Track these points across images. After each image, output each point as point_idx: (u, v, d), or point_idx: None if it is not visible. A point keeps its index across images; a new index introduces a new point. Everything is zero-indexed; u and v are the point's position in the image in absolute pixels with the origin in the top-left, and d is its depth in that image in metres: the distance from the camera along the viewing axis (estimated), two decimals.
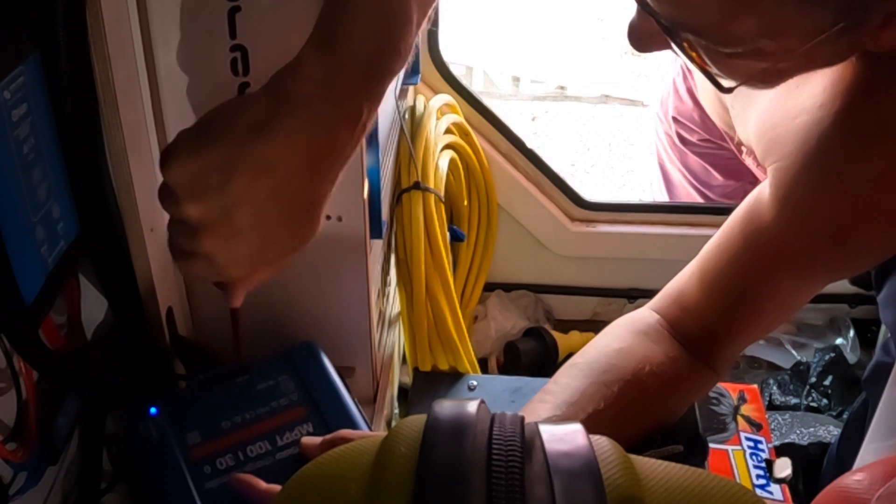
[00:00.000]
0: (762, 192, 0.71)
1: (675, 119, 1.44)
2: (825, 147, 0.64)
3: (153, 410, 0.66)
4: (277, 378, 0.68)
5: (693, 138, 1.44)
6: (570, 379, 0.74)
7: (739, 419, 1.06)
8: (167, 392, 0.69)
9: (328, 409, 0.67)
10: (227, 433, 0.66)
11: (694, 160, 1.47)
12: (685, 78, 1.40)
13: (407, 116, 1.12)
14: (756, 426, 1.05)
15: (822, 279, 0.73)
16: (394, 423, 1.04)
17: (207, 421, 0.66)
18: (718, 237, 0.76)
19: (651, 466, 0.35)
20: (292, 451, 0.65)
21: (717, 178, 1.45)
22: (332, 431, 0.65)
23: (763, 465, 0.99)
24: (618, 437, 0.37)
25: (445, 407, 0.36)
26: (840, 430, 1.02)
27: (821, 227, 0.66)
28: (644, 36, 0.60)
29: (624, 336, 0.78)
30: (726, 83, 0.58)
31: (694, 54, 0.57)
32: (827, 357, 1.29)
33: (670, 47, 0.59)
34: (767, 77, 0.59)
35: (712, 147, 1.42)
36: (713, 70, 0.57)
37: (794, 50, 0.54)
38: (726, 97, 0.72)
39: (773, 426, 1.09)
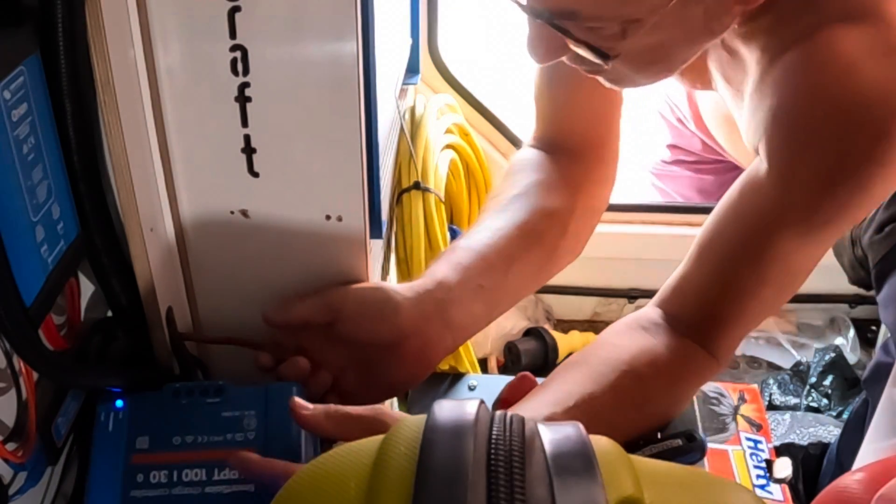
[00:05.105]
0: (760, 161, 0.73)
1: (673, 146, 1.45)
2: (804, 112, 0.69)
3: (119, 403, 0.65)
4: (244, 411, 0.66)
5: (690, 159, 1.44)
6: (564, 373, 0.75)
7: (739, 419, 1.06)
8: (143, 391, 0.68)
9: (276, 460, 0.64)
10: (173, 450, 0.64)
11: (688, 183, 1.48)
12: (672, 111, 1.40)
13: (407, 116, 1.12)
14: (756, 426, 1.05)
15: (819, 235, 0.73)
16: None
17: (162, 431, 0.65)
18: (716, 210, 0.77)
19: (651, 466, 0.35)
20: (221, 489, 0.63)
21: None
22: (264, 483, 0.62)
23: (763, 465, 0.99)
24: (617, 424, 0.37)
25: (445, 407, 0.36)
26: (840, 430, 1.02)
27: (811, 177, 0.69)
28: (542, 45, 0.68)
29: (621, 333, 0.78)
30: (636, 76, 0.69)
31: (587, 52, 0.65)
32: (827, 357, 1.29)
33: (567, 52, 0.68)
34: (660, 55, 0.68)
35: (711, 164, 1.42)
36: (610, 64, 0.66)
37: (662, 7, 0.62)
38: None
39: (773, 426, 1.09)
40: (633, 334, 0.77)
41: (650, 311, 0.80)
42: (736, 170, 1.35)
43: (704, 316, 0.76)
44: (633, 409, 0.73)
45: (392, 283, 1.07)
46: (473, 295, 0.77)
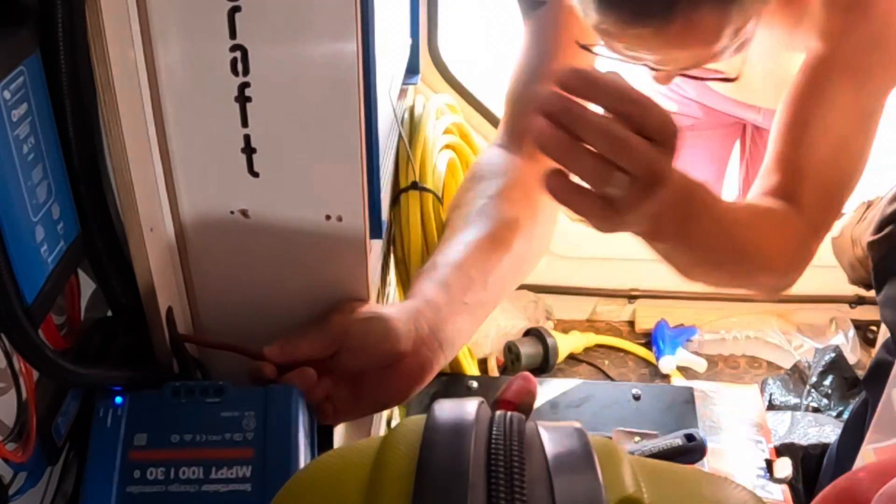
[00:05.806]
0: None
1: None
2: None
3: (119, 400, 0.66)
4: (244, 412, 0.66)
5: (689, 122, 1.45)
6: None
7: (739, 419, 1.06)
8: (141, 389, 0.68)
9: (273, 460, 0.65)
10: (171, 447, 0.64)
11: (687, 153, 1.48)
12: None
13: (406, 117, 1.12)
14: (756, 426, 1.05)
15: (865, 75, 0.84)
16: (394, 423, 1.04)
17: (160, 429, 0.65)
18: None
19: (650, 466, 0.35)
20: (218, 487, 0.63)
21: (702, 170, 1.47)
22: (267, 481, 0.63)
23: (763, 465, 0.99)
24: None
25: (445, 407, 0.36)
26: (840, 430, 1.02)
27: (862, 34, 0.83)
28: (663, 79, 0.85)
29: None
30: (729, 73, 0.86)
31: (720, 83, 0.83)
32: (827, 357, 1.29)
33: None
34: (740, 50, 0.81)
35: (709, 129, 1.43)
36: (712, 75, 0.84)
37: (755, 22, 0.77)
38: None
39: (773, 426, 1.09)
40: None
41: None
42: (734, 135, 1.39)
43: (778, 167, 0.86)
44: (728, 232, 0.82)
45: (392, 282, 1.07)
46: (460, 312, 0.80)
